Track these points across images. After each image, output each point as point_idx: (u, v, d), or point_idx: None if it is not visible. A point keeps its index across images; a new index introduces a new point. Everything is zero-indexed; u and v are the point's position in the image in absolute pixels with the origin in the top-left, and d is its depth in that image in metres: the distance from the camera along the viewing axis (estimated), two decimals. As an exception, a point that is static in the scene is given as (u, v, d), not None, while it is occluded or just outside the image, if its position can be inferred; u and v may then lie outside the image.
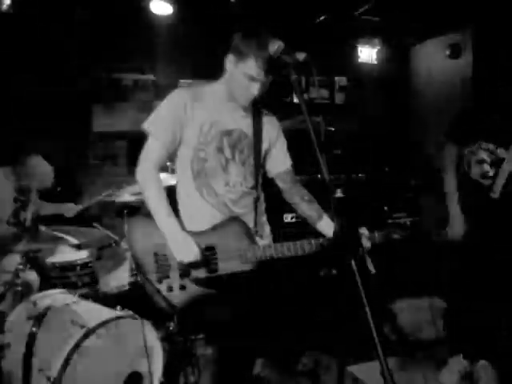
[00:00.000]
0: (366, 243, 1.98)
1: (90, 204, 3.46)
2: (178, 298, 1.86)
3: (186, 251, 1.83)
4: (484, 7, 4.18)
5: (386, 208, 4.11)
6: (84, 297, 2.67)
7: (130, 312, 2.37)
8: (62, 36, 4.23)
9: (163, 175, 2.31)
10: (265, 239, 2.08)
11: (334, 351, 3.17)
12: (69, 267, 3.02)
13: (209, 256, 1.89)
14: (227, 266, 1.90)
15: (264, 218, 2.13)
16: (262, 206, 2.12)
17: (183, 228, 1.91)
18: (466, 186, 2.80)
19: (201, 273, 1.88)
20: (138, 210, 3.50)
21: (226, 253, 1.90)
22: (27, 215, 3.19)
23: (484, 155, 2.81)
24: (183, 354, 3.00)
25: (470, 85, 4.67)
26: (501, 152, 2.80)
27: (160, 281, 1.85)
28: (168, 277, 1.86)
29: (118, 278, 2.93)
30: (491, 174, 2.81)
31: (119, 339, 2.23)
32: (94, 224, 3.41)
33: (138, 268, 1.89)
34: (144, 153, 1.93)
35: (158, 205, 1.87)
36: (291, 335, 3.32)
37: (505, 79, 2.75)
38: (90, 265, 3.03)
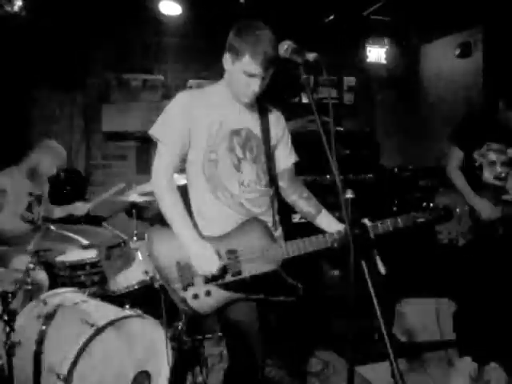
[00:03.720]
0: (370, 234, 1.94)
1: (98, 201, 3.49)
2: (204, 304, 1.85)
3: (207, 263, 1.81)
4: (494, 6, 4.14)
5: (394, 208, 4.10)
6: (93, 296, 2.69)
7: (139, 311, 2.39)
8: (72, 37, 4.26)
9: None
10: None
11: (343, 351, 3.17)
12: (78, 266, 3.04)
13: (232, 259, 1.88)
14: (251, 267, 1.88)
15: (277, 218, 2.11)
16: (276, 204, 2.11)
17: (201, 235, 1.89)
18: (479, 190, 2.78)
19: (225, 277, 1.87)
20: (146, 209, 3.52)
21: (248, 254, 1.89)
22: (41, 210, 3.23)
23: (494, 157, 2.78)
24: (191, 353, 3.01)
25: (480, 84, 4.63)
26: (511, 152, 2.78)
27: (185, 289, 1.84)
28: (193, 284, 1.85)
29: (127, 277, 2.94)
30: (504, 174, 2.79)
31: (128, 338, 2.25)
32: (104, 224, 3.43)
33: (162, 278, 1.87)
34: (157, 162, 1.91)
35: (175, 216, 1.86)
36: (300, 335, 3.32)
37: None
38: (99, 264, 3.05)
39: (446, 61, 5.13)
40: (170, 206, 1.87)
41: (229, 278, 1.87)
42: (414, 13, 4.75)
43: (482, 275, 2.82)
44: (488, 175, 2.80)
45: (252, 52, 1.78)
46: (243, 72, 1.82)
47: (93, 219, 3.67)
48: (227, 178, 1.92)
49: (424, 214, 2.00)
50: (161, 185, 1.88)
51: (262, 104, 2.05)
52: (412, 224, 1.98)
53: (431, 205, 2.00)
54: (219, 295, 1.86)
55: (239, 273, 1.88)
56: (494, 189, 2.77)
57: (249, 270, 1.88)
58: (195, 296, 1.84)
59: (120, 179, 4.29)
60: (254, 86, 1.85)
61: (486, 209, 2.71)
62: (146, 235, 1.92)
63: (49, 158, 3.22)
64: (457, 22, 4.72)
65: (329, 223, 2.05)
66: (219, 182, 1.92)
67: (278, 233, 2.07)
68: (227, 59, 1.87)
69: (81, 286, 2.98)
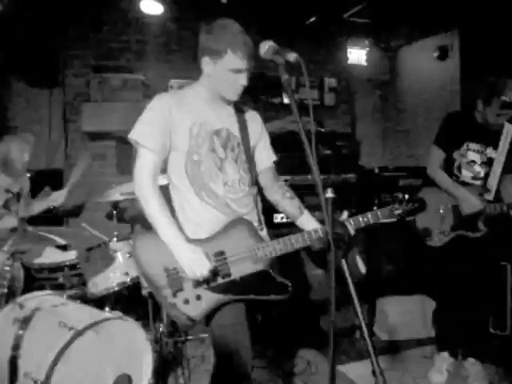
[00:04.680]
0: (350, 231, 1.95)
1: (73, 183, 3.36)
2: (195, 309, 1.82)
3: (197, 266, 1.78)
4: (469, 10, 4.22)
5: (375, 208, 4.12)
6: (72, 298, 2.65)
7: (119, 313, 2.36)
8: (52, 35, 4.19)
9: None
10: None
11: (325, 351, 3.19)
12: (57, 268, 2.99)
13: (220, 261, 1.86)
14: (240, 268, 1.88)
15: (262, 217, 2.10)
16: (260, 204, 2.10)
17: (188, 238, 1.87)
18: None
19: (214, 280, 1.85)
20: (126, 209, 3.49)
21: (236, 255, 1.88)
22: (20, 208, 3.15)
23: (474, 156, 2.84)
24: (173, 355, 2.99)
25: (457, 85, 4.71)
26: (490, 151, 2.84)
27: (174, 295, 1.81)
28: (182, 289, 1.82)
29: (107, 279, 2.90)
30: (482, 174, 2.84)
31: (108, 341, 2.21)
32: (83, 224, 3.38)
33: (150, 285, 1.83)
34: (139, 166, 1.87)
35: (161, 221, 1.82)
36: (283, 335, 3.32)
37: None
38: (78, 266, 3.00)
39: (424, 63, 5.21)
40: (156, 211, 1.83)
41: (219, 280, 1.85)
42: (393, 15, 4.82)
43: (461, 273, 2.86)
44: (466, 175, 2.85)
45: (232, 48, 1.78)
46: (229, 70, 1.82)
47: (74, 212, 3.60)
48: (211, 178, 1.92)
49: (401, 206, 2.01)
50: (144, 190, 1.84)
51: (237, 105, 2.05)
52: (390, 216, 2.00)
53: (406, 197, 2.01)
54: (210, 298, 1.84)
55: (228, 275, 1.87)
56: (473, 188, 2.82)
57: (238, 271, 1.87)
58: (186, 301, 1.81)
59: (100, 179, 4.26)
60: (242, 80, 1.86)
61: (470, 200, 2.75)
62: (130, 241, 1.88)
63: (16, 144, 3.17)
64: (434, 25, 4.80)
65: (310, 224, 2.06)
66: (203, 183, 1.91)
67: (264, 232, 2.07)
68: (207, 62, 1.86)
69: (60, 288, 2.93)
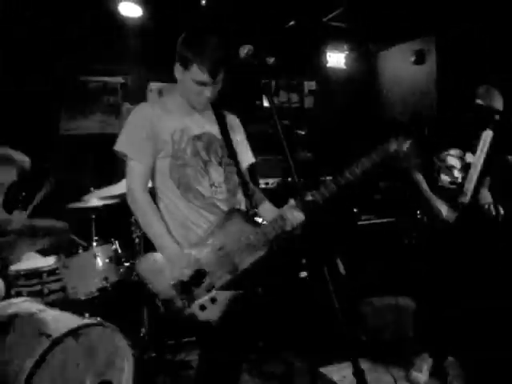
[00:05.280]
0: (298, 215, 1.87)
1: (36, 203, 3.28)
2: (212, 312, 1.80)
3: (179, 269, 1.79)
4: (444, 16, 4.31)
5: (355, 210, 4.18)
6: (51, 305, 2.61)
7: (99, 319, 2.33)
8: (27, 37, 4.13)
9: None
10: None
11: (306, 353, 3.20)
12: (35, 274, 2.94)
13: (223, 257, 1.85)
14: (244, 258, 1.86)
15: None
16: (248, 203, 2.05)
17: (190, 243, 1.87)
18: (434, 191, 2.87)
19: (223, 277, 1.84)
20: (105, 214, 3.45)
21: (237, 247, 1.86)
22: None
23: (453, 162, 2.89)
24: (155, 360, 2.96)
25: (434, 89, 4.80)
26: (468, 157, 2.89)
27: (189, 305, 1.79)
28: (194, 298, 1.80)
29: (87, 285, 2.86)
30: (460, 179, 2.90)
31: (88, 347, 2.19)
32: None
33: (163, 303, 1.80)
34: (129, 178, 1.89)
35: (159, 231, 1.85)
36: (264, 337, 3.33)
37: (467, 84, 2.83)
38: (57, 271, 2.96)
39: (402, 67, 5.29)
40: (153, 222, 1.85)
41: (227, 276, 1.84)
42: (371, 20, 4.88)
43: (440, 274, 2.91)
44: (445, 179, 2.90)
45: (199, 61, 1.79)
46: (193, 81, 1.84)
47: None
48: (197, 180, 1.92)
49: (377, 152, 1.99)
50: (139, 201, 1.86)
51: (216, 109, 2.07)
52: (379, 160, 1.95)
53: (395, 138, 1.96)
54: (224, 298, 1.82)
55: (236, 268, 1.85)
56: (451, 192, 2.87)
57: (243, 261, 1.86)
58: (202, 308, 1.79)
59: (78, 182, 4.19)
60: (206, 93, 1.87)
61: (441, 213, 2.80)
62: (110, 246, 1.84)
63: (6, 168, 3.07)
64: (411, 30, 4.88)
65: (270, 213, 2.04)
66: (189, 186, 1.91)
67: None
68: (177, 68, 1.89)
69: (38, 294, 2.88)
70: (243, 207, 2.03)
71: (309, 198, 1.85)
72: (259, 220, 2.03)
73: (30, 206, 3.24)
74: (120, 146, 1.90)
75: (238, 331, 1.88)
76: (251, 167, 2.18)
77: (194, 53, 1.79)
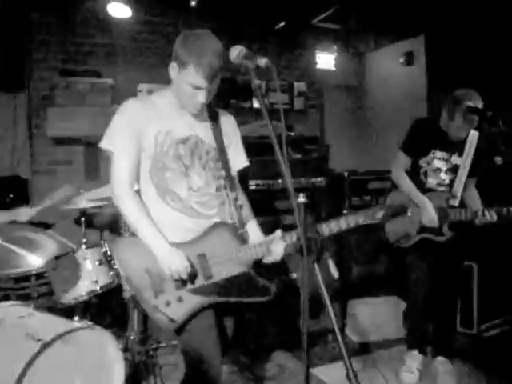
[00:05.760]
0: (281, 250, 1.92)
1: (44, 206, 3.31)
2: (177, 311, 1.83)
3: (177, 265, 1.80)
4: (433, 18, 4.35)
5: (345, 211, 4.19)
6: (40, 308, 2.57)
7: (89, 322, 2.30)
8: (16, 37, 4.08)
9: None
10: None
11: (298, 354, 3.20)
12: (23, 278, 2.90)
13: (202, 263, 1.88)
14: (221, 270, 1.89)
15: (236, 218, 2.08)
16: (232, 207, 2.07)
17: (168, 242, 1.87)
18: (423, 193, 2.88)
19: (197, 282, 1.86)
20: (95, 216, 3.42)
21: (218, 258, 1.89)
22: None
23: (439, 164, 2.91)
24: (145, 363, 2.94)
25: (423, 90, 4.84)
26: (455, 159, 2.91)
27: (156, 296, 1.82)
28: (163, 291, 1.83)
29: (76, 288, 2.83)
30: (447, 181, 2.92)
31: (77, 351, 2.16)
32: (50, 232, 3.30)
33: (132, 287, 1.84)
34: (114, 175, 1.87)
35: (141, 223, 1.84)
36: (255, 339, 3.32)
37: (456, 85, 2.85)
38: (45, 275, 2.92)
39: (391, 68, 5.33)
40: (135, 215, 1.85)
41: (200, 282, 1.87)
42: (361, 21, 4.91)
43: (428, 275, 2.93)
44: (432, 181, 2.92)
45: (197, 64, 1.76)
46: (188, 83, 1.81)
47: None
48: (175, 183, 1.91)
49: (382, 210, 2.02)
50: (122, 196, 1.86)
51: (212, 109, 2.05)
52: (371, 219, 2.00)
53: (385, 203, 2.02)
54: (191, 301, 1.85)
55: (210, 277, 1.88)
56: (439, 194, 2.88)
57: (220, 273, 1.89)
58: (167, 303, 1.82)
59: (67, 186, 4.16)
60: (200, 97, 1.85)
61: (429, 213, 2.80)
62: (110, 246, 1.86)
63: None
64: (400, 31, 4.92)
65: (255, 234, 2.07)
66: (167, 188, 1.91)
67: (255, 231, 2.09)
68: (173, 68, 1.86)
69: (26, 298, 2.84)
70: (234, 220, 2.03)
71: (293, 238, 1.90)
72: (245, 238, 2.03)
73: (40, 204, 3.24)
74: (104, 142, 1.88)
75: (199, 335, 1.89)
76: (244, 170, 2.16)
77: (193, 55, 1.76)
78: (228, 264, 1.90)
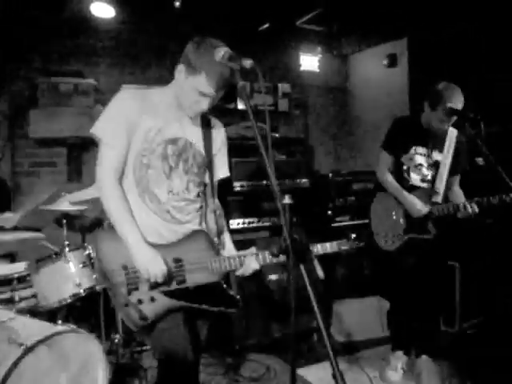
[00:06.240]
0: (255, 265, 1.96)
1: (28, 210, 3.29)
2: (148, 309, 1.84)
3: (153, 266, 1.80)
4: (416, 20, 4.40)
5: (329, 212, 4.22)
6: (22, 312, 2.54)
7: (72, 326, 2.28)
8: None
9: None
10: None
11: (283, 354, 3.21)
12: (5, 281, 2.85)
13: (177, 267, 1.89)
14: (195, 277, 1.91)
15: (210, 226, 2.10)
16: (210, 215, 2.10)
17: (147, 242, 1.87)
18: (408, 191, 2.91)
19: (170, 284, 1.88)
20: (77, 218, 3.38)
21: (193, 264, 1.91)
22: None
23: (421, 160, 2.95)
24: (130, 366, 2.92)
25: (406, 92, 4.89)
26: (435, 155, 2.95)
27: (129, 293, 1.83)
28: (137, 289, 1.84)
29: (60, 291, 2.80)
30: (430, 177, 2.96)
31: (61, 355, 2.13)
32: (33, 234, 3.25)
33: (106, 281, 1.84)
34: (100, 164, 1.85)
35: (121, 220, 1.84)
36: (240, 341, 3.32)
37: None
38: (28, 278, 2.88)
39: (374, 70, 5.38)
40: (116, 210, 1.84)
41: (173, 285, 1.89)
42: (344, 23, 4.95)
43: (411, 274, 2.96)
44: (415, 178, 2.96)
45: (208, 72, 1.76)
46: (195, 89, 1.81)
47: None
48: (156, 184, 1.91)
49: (348, 243, 2.08)
50: (105, 187, 1.85)
51: (205, 116, 2.05)
52: (337, 249, 2.07)
53: (353, 236, 2.12)
54: (163, 302, 1.86)
55: (183, 281, 1.90)
56: (422, 191, 2.92)
57: (193, 279, 1.91)
58: (139, 301, 1.84)
59: (49, 187, 4.11)
60: (204, 104, 1.86)
61: (415, 204, 2.84)
62: (92, 237, 1.86)
63: None
64: (384, 34, 4.97)
65: (228, 246, 2.11)
66: (147, 187, 1.90)
67: (228, 243, 2.13)
68: (181, 71, 1.84)
69: (8, 302, 2.79)
70: (209, 228, 2.07)
71: (266, 258, 1.95)
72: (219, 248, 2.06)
73: (25, 208, 3.20)
74: (95, 128, 1.86)
75: (168, 332, 1.89)
76: (224, 180, 2.17)
77: (206, 63, 1.75)
78: (202, 272, 1.92)
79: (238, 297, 1.97)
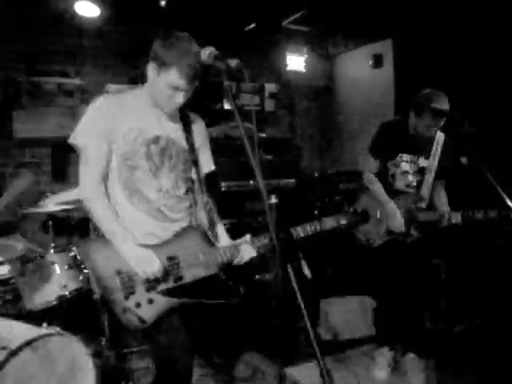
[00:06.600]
0: (251, 252, 1.99)
1: (6, 200, 3.18)
2: (147, 312, 1.82)
3: (148, 265, 1.80)
4: (401, 21, 4.43)
5: (316, 212, 4.23)
6: (6, 316, 2.50)
7: (58, 329, 2.25)
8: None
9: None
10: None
11: (271, 354, 3.21)
12: (-13, 284, 2.81)
13: (172, 265, 1.89)
14: (192, 272, 1.91)
15: (203, 223, 2.10)
16: (201, 212, 2.11)
17: (137, 243, 1.86)
18: (392, 196, 2.93)
19: (167, 283, 1.87)
20: (63, 220, 3.34)
21: (188, 260, 1.91)
22: None
23: (407, 167, 2.97)
24: (116, 368, 2.89)
25: (391, 92, 4.93)
26: (422, 161, 2.98)
27: (127, 298, 1.81)
28: (134, 293, 1.82)
29: (45, 293, 2.76)
30: (415, 183, 2.98)
31: (47, 358, 2.10)
32: (16, 235, 3.21)
33: (102, 289, 1.82)
34: (82, 171, 1.85)
35: (109, 224, 1.83)
36: (230, 341, 3.31)
37: (424, 87, 2.90)
38: (11, 281, 2.84)
39: (360, 70, 5.42)
40: (102, 214, 1.83)
41: (171, 284, 1.88)
42: (330, 24, 4.97)
43: (396, 273, 2.99)
44: (400, 183, 2.98)
45: (179, 65, 1.76)
46: (168, 84, 1.81)
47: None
48: (144, 184, 1.90)
49: (346, 217, 2.10)
50: (89, 193, 1.84)
51: (184, 112, 2.04)
52: (336, 225, 2.07)
53: (351, 209, 2.11)
54: (161, 302, 1.85)
55: (180, 278, 1.89)
56: (407, 196, 2.94)
57: (190, 275, 1.91)
58: (137, 305, 1.82)
59: (33, 188, 4.05)
60: (178, 98, 1.85)
61: (396, 219, 2.85)
62: (79, 247, 1.85)
63: None
64: (369, 34, 5.00)
65: (222, 237, 2.12)
66: (135, 188, 1.90)
67: (223, 237, 2.13)
68: (152, 68, 1.84)
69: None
70: (202, 223, 2.07)
71: (262, 241, 1.98)
72: (213, 241, 2.06)
73: (6, 194, 3.13)
74: (74, 137, 1.85)
75: (168, 335, 1.89)
76: (212, 174, 2.17)
77: (175, 57, 1.75)
78: (198, 266, 1.92)
79: (240, 287, 1.98)
